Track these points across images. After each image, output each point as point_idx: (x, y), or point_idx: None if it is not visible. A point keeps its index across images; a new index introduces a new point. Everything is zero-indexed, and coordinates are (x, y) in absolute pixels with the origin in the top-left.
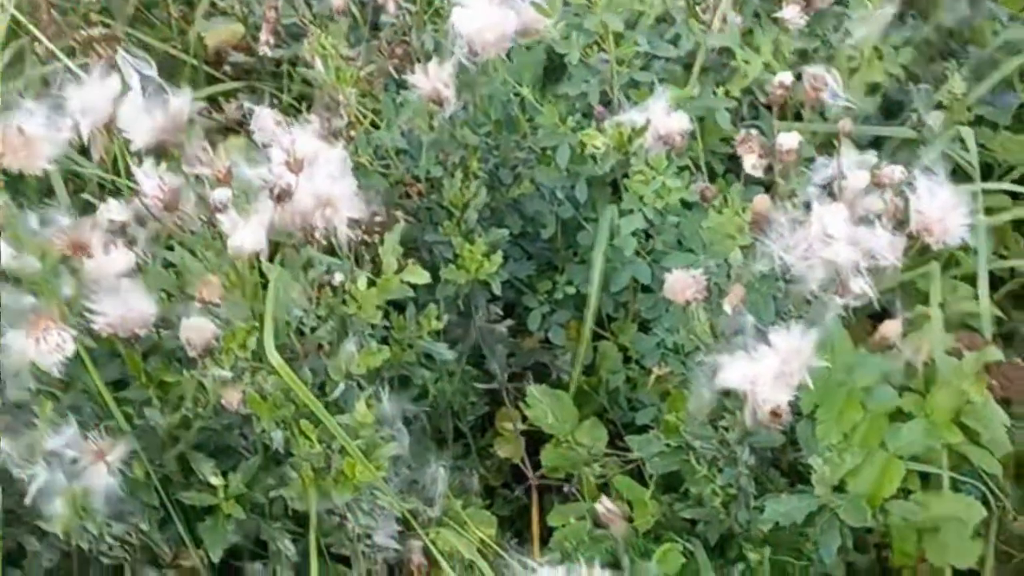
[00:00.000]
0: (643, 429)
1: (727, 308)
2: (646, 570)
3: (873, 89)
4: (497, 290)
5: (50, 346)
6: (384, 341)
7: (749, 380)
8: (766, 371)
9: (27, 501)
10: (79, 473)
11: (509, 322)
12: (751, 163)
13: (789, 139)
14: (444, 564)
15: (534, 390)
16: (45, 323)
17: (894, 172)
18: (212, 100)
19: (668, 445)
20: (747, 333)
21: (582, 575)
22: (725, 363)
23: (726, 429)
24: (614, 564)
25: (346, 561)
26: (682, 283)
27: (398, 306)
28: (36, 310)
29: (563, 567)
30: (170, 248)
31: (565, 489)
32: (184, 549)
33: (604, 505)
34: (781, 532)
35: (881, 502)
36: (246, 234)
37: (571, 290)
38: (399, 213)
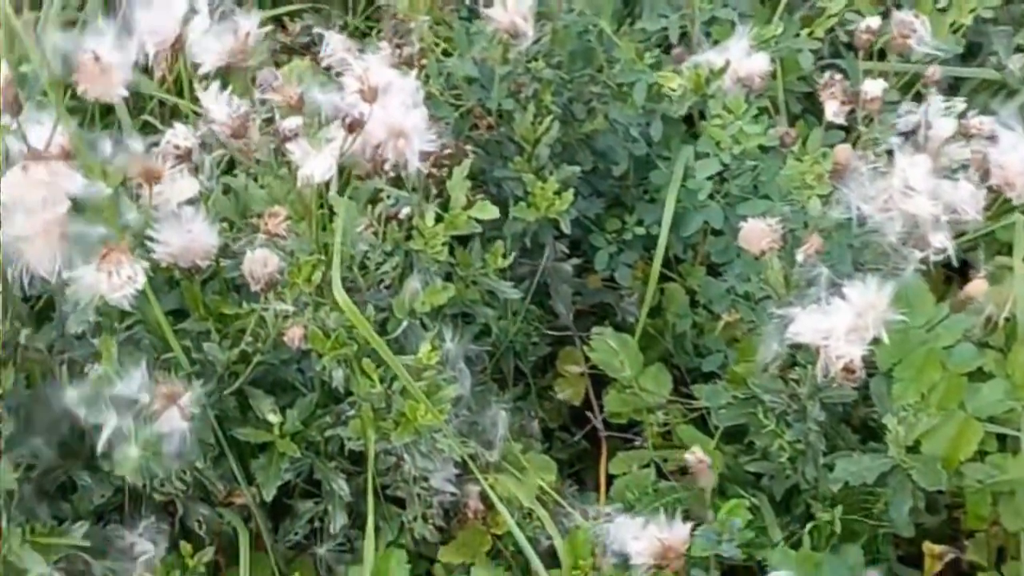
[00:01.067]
0: (709, 376)
1: (801, 258)
2: (729, 525)
3: (955, 30)
4: (567, 228)
5: (121, 279)
6: (447, 278)
7: (822, 334)
8: (839, 325)
9: (99, 449)
10: (150, 419)
11: (575, 261)
12: (833, 110)
13: (874, 86)
14: (502, 510)
15: (599, 332)
16: (116, 255)
17: (982, 122)
18: (276, 20)
19: (736, 397)
20: (821, 285)
21: (661, 527)
22: (797, 315)
23: (796, 383)
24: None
25: (401, 503)
26: (758, 232)
27: (462, 242)
28: (106, 241)
29: (639, 518)
30: (232, 175)
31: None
32: (237, 486)
33: (695, 455)
34: (850, 491)
35: (957, 464)
36: (317, 164)
37: (640, 230)
38: (468, 147)
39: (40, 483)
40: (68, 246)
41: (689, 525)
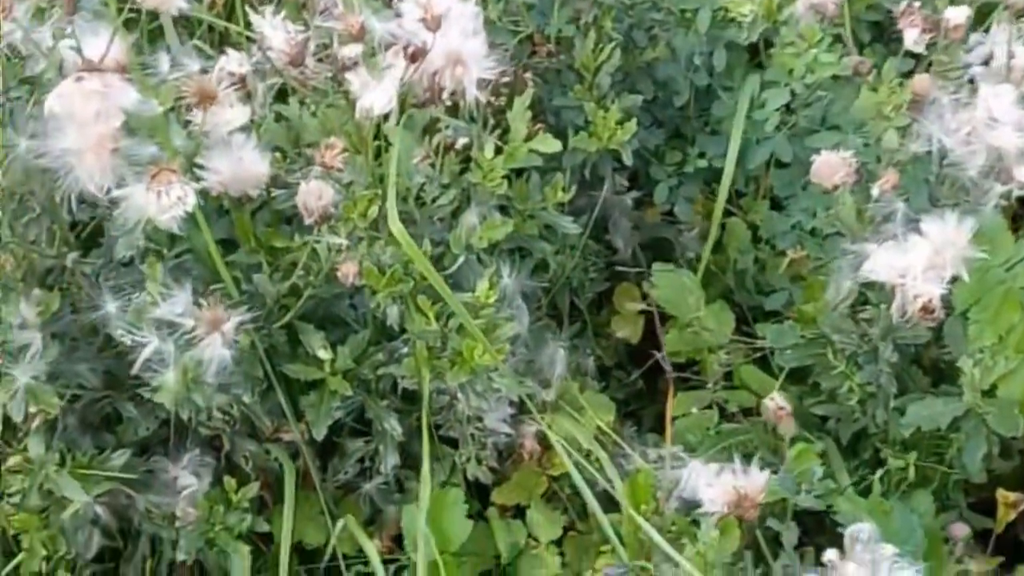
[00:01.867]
0: (771, 315)
1: (876, 192)
2: (808, 472)
3: None
4: (628, 159)
5: (171, 200)
6: (504, 212)
7: (898, 272)
8: (917, 262)
9: (135, 370)
10: (192, 343)
11: (634, 194)
12: (913, 38)
13: (957, 14)
14: (560, 450)
15: (660, 268)
16: (166, 176)
17: None
18: None
19: (803, 336)
20: (897, 221)
21: (737, 474)
22: (872, 252)
23: (868, 322)
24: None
25: (453, 443)
26: (831, 165)
27: (519, 173)
28: (157, 161)
29: (713, 464)
30: (284, 103)
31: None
32: (285, 423)
33: (775, 401)
34: (922, 435)
35: None
36: (378, 95)
37: (702, 163)
38: (527, 75)
39: (84, 413)
40: (119, 163)
41: (767, 472)
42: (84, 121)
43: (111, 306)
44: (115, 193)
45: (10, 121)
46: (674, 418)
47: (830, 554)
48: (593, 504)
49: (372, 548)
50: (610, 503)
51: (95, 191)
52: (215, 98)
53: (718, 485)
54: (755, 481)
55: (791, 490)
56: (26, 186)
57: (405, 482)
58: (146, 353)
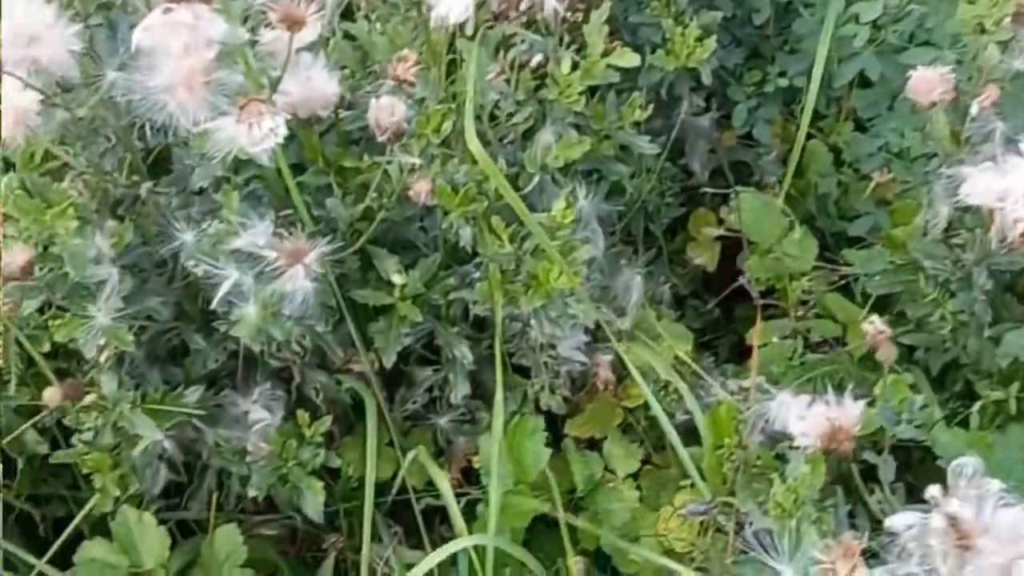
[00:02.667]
0: (854, 241)
1: (974, 111)
2: (908, 402)
3: None
4: (707, 78)
5: (262, 132)
6: (579, 132)
7: (996, 195)
8: (1017, 185)
9: (214, 304)
10: (273, 276)
11: (712, 115)
12: None
13: None
14: (639, 380)
15: (741, 192)
16: (256, 106)
17: None
18: None
19: (892, 263)
20: (996, 141)
21: (830, 403)
22: (968, 174)
23: (961, 248)
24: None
25: (525, 372)
26: (929, 81)
27: (594, 92)
28: (245, 91)
29: (803, 396)
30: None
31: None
32: (355, 352)
33: (874, 325)
34: (1017, 366)
35: None
36: (453, 2)
37: (782, 82)
38: None
39: (152, 346)
40: (210, 96)
41: (862, 403)
42: (174, 55)
43: (186, 236)
44: (204, 125)
45: (90, 50)
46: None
47: (932, 490)
48: (673, 437)
49: (444, 480)
50: (689, 437)
51: (188, 125)
52: (303, 23)
53: (810, 418)
54: (849, 412)
55: (890, 421)
56: (102, 117)
57: (475, 412)
58: (226, 287)
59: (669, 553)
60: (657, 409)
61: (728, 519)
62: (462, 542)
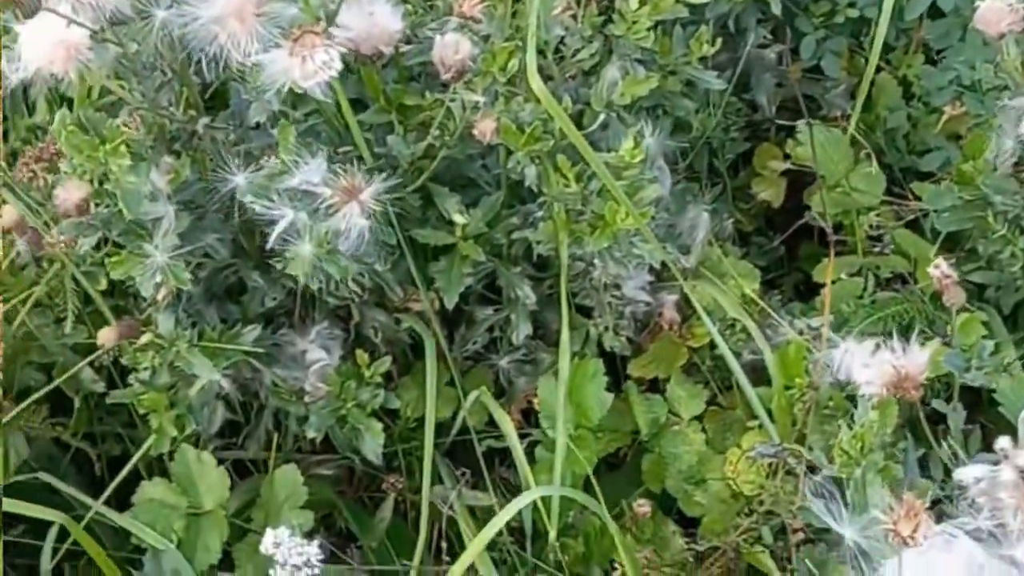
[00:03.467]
0: (924, 176)
1: None
2: (978, 348)
3: None
4: (776, 8)
5: (316, 65)
6: (644, 67)
7: None
8: None
9: (270, 244)
10: (328, 213)
11: (778, 48)
12: None
13: None
14: (705, 319)
15: (808, 125)
16: (310, 39)
17: None
18: None
19: (962, 198)
20: None
21: (896, 350)
22: None
23: None
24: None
25: (587, 312)
26: (996, 12)
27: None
28: (299, 23)
29: (868, 342)
30: None
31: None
32: (414, 291)
33: (940, 269)
34: None
35: None
36: None
37: (852, 13)
38: None
39: (209, 283)
40: (262, 27)
41: (928, 349)
42: None
43: (241, 178)
44: (257, 58)
45: None
46: (823, 286)
47: (1002, 441)
48: (741, 377)
49: (508, 422)
50: (756, 376)
51: (239, 58)
52: None
53: (875, 365)
54: (916, 359)
55: (959, 367)
56: (156, 51)
57: (536, 353)
58: (282, 226)
59: (736, 496)
60: (724, 348)
61: (799, 462)
62: (530, 495)
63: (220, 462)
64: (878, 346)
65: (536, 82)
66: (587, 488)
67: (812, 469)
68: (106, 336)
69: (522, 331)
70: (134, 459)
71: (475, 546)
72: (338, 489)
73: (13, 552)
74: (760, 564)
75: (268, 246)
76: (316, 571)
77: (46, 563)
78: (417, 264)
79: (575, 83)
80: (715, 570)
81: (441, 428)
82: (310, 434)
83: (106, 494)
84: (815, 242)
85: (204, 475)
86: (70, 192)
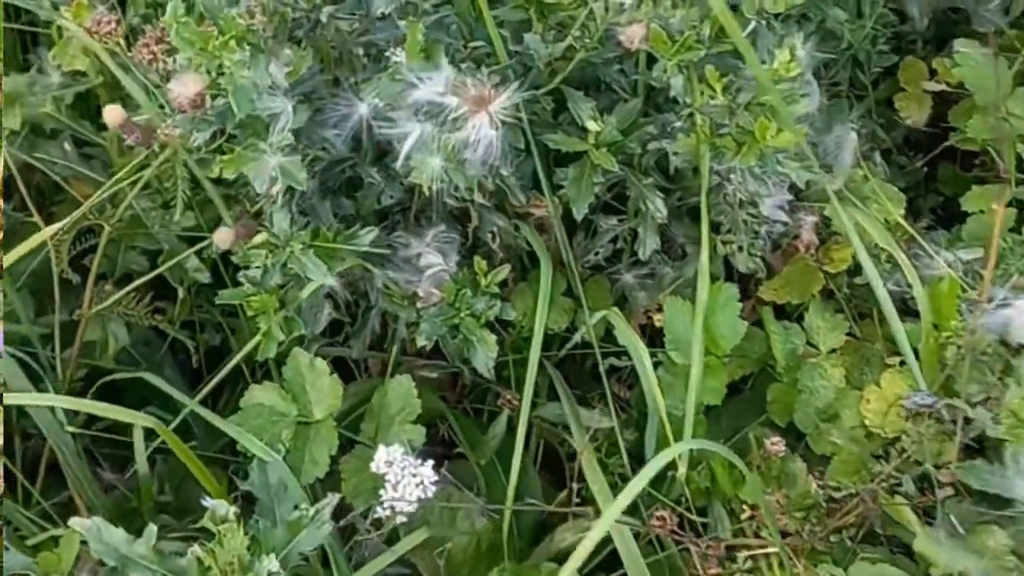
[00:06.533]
0: None
1: None
2: None
3: None
4: None
5: None
6: None
7: None
8: None
9: (398, 165)
10: (455, 125)
11: None
12: None
13: None
14: (856, 244)
15: (964, 44)
16: None
17: None
18: None
19: None
20: None
21: None
22: None
23: None
24: None
25: (715, 228)
26: None
27: None
28: None
29: None
30: None
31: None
32: (538, 198)
33: None
34: None
35: None
36: None
37: None
38: None
39: (324, 178)
40: None
41: None
42: None
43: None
44: None
45: None
46: (962, 211)
47: None
48: (889, 310)
49: (641, 347)
50: (901, 310)
51: None
52: None
53: None
54: None
55: None
56: None
57: (657, 267)
58: (409, 143)
59: (871, 436)
60: (873, 276)
61: (952, 411)
62: (680, 447)
63: (320, 358)
64: None
65: None
66: (709, 414)
67: (968, 421)
68: (222, 237)
69: (649, 245)
70: (236, 359)
71: (627, 493)
72: (440, 394)
73: (103, 443)
74: (900, 516)
75: (398, 165)
76: (429, 493)
77: (142, 465)
78: (544, 169)
79: None
80: (848, 518)
81: (552, 339)
82: (420, 342)
83: (203, 391)
84: (955, 165)
85: (316, 382)
86: (185, 85)
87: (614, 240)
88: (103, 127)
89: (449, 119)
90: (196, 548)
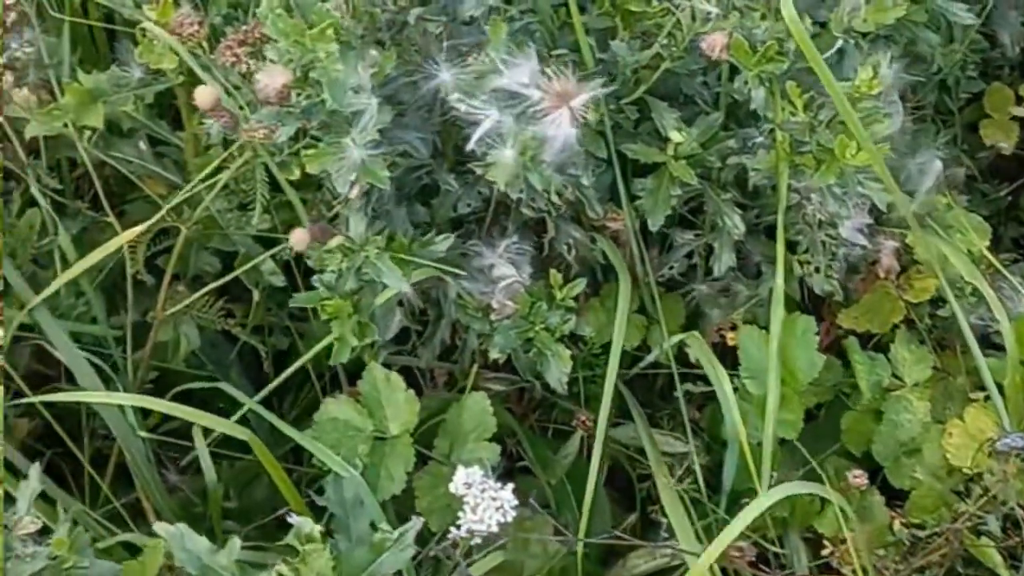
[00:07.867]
0: None
1: None
2: None
3: None
4: None
5: None
6: None
7: None
8: None
9: (470, 145)
10: (536, 118)
11: None
12: None
13: None
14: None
15: None
16: None
17: None
18: None
19: None
20: None
21: None
22: None
23: None
24: None
25: (791, 247)
26: None
27: None
28: None
29: None
30: None
31: None
32: (616, 210)
33: None
34: None
35: None
36: None
37: None
38: None
39: (401, 183)
40: None
41: None
42: None
43: (447, 74)
44: None
45: None
46: None
47: None
48: (973, 345)
49: (722, 374)
50: (984, 344)
51: None
52: None
53: None
54: None
55: None
56: None
57: (731, 284)
58: (485, 127)
59: (952, 472)
60: (957, 309)
61: None
62: (777, 492)
63: (386, 366)
64: None
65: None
66: (783, 442)
67: None
68: (298, 238)
69: (725, 262)
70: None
71: (719, 542)
72: (506, 407)
73: (167, 446)
74: (984, 557)
75: (469, 147)
76: (509, 518)
77: (209, 470)
78: (623, 181)
79: (811, 2)
80: (932, 556)
81: (624, 357)
82: (493, 354)
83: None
84: None
85: (391, 397)
86: (273, 78)
87: (689, 255)
88: (179, 126)
89: (529, 111)
90: (281, 566)
